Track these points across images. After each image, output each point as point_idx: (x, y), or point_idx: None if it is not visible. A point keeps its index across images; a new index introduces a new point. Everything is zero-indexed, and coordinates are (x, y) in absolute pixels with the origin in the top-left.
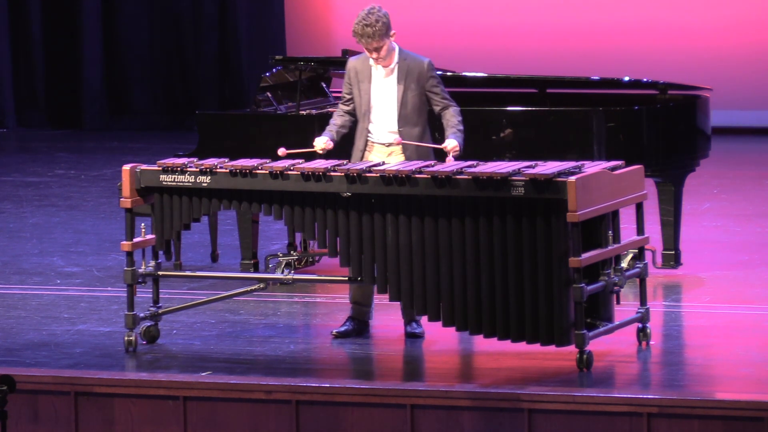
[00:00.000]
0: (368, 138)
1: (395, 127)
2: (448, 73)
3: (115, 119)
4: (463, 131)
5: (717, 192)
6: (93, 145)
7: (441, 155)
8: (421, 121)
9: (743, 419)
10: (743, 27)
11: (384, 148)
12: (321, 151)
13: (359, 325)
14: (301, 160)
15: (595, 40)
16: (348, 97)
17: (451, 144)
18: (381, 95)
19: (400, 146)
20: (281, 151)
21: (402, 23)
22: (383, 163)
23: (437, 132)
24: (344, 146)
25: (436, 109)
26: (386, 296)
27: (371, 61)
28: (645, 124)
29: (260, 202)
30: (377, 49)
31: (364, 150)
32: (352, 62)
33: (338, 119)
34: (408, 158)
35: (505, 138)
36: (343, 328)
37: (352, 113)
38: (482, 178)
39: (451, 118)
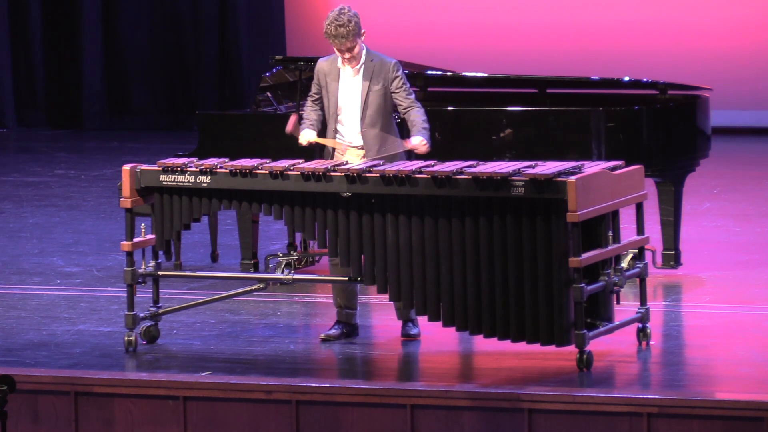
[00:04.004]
0: (340, 140)
1: (360, 128)
2: (448, 73)
3: (115, 119)
4: (429, 130)
5: (717, 192)
6: (93, 145)
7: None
8: (383, 123)
9: (743, 419)
10: (743, 27)
11: (357, 150)
12: (306, 144)
13: (348, 328)
14: (301, 161)
15: (595, 40)
16: (316, 96)
17: (416, 140)
18: (348, 96)
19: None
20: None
21: (402, 24)
22: (383, 163)
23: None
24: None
25: (401, 110)
26: (386, 296)
27: (339, 62)
28: (645, 124)
29: (260, 202)
30: (350, 49)
31: (334, 152)
32: (320, 63)
33: (312, 113)
34: (377, 153)
35: (505, 138)
36: (331, 332)
37: (321, 109)
38: (482, 178)
39: (416, 117)
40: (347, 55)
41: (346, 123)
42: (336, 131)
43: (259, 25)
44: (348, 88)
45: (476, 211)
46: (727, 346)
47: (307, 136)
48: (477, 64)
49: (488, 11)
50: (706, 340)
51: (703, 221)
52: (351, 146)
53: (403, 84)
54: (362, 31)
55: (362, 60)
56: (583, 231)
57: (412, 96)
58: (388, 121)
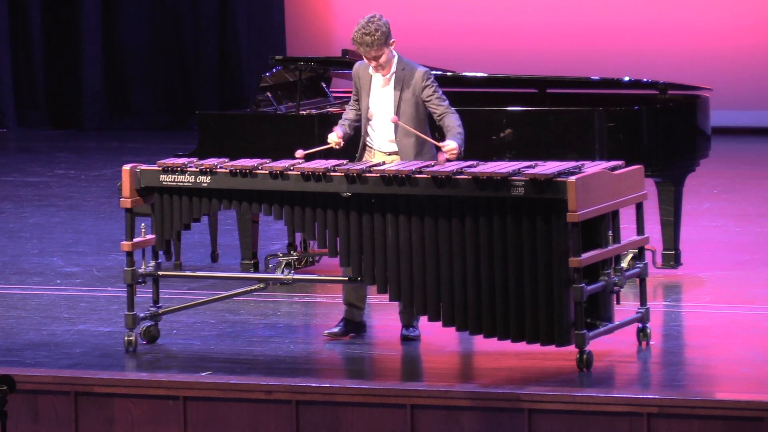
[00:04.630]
0: (369, 144)
1: (392, 136)
2: (448, 73)
3: (115, 119)
4: (464, 135)
5: (717, 192)
6: (93, 145)
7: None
8: (417, 130)
9: (743, 419)
10: (743, 27)
11: (385, 156)
12: (336, 146)
13: (353, 327)
14: (301, 160)
15: (595, 40)
16: (356, 97)
17: (450, 145)
18: (379, 104)
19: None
20: (299, 153)
21: (402, 24)
22: (383, 163)
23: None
24: (351, 147)
25: (436, 117)
26: (386, 296)
27: (371, 69)
28: (645, 124)
29: (260, 202)
30: (376, 58)
31: (364, 152)
32: (356, 67)
33: (351, 113)
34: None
35: (505, 138)
36: (336, 329)
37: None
38: (482, 178)
39: (450, 123)
40: (374, 63)
41: (378, 130)
42: (367, 134)
43: (259, 25)
44: (379, 97)
45: (476, 211)
46: (726, 346)
47: (332, 138)
48: (477, 64)
49: (488, 11)
50: (706, 340)
51: (703, 221)
52: (380, 151)
53: (434, 92)
54: (391, 41)
55: (393, 68)
56: (583, 231)
57: (446, 102)
58: (423, 128)
